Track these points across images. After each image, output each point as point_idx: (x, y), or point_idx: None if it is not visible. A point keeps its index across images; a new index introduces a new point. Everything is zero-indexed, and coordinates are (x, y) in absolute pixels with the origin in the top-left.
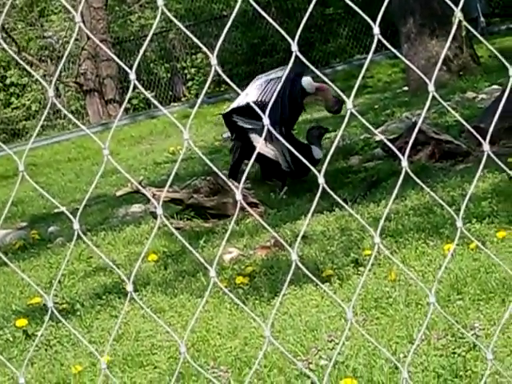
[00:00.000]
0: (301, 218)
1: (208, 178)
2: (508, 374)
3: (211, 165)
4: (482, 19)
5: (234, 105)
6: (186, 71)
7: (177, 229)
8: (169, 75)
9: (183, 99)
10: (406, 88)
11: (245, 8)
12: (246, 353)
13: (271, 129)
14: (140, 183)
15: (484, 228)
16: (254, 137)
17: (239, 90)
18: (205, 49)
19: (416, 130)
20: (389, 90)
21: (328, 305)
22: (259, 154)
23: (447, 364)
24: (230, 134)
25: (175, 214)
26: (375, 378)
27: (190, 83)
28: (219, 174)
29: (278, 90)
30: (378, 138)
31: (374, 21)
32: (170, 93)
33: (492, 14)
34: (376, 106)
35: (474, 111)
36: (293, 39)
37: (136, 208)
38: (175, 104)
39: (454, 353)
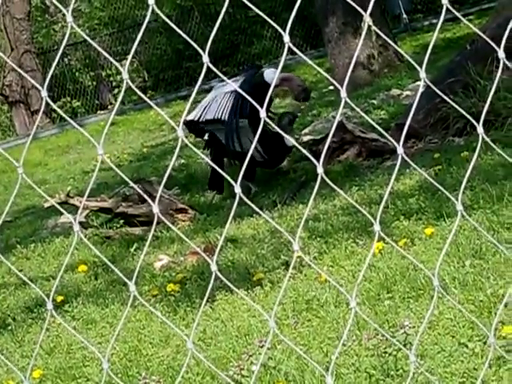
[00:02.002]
0: (231, 222)
1: (137, 185)
2: (439, 371)
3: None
4: (404, 16)
5: (192, 116)
6: (111, 79)
7: (107, 238)
8: (94, 83)
9: (110, 107)
10: (331, 88)
11: (169, 13)
12: (178, 361)
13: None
14: (68, 193)
15: (412, 225)
16: (219, 134)
17: (228, 80)
18: (116, 63)
19: (332, 130)
20: (315, 89)
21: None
22: (230, 150)
23: (378, 364)
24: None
25: (104, 223)
26: (307, 382)
27: (116, 91)
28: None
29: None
30: (306, 139)
31: (300, 20)
32: (97, 101)
33: (414, 10)
34: (302, 107)
35: (399, 108)
36: (218, 42)
37: (65, 219)
38: (102, 112)
39: (385, 352)
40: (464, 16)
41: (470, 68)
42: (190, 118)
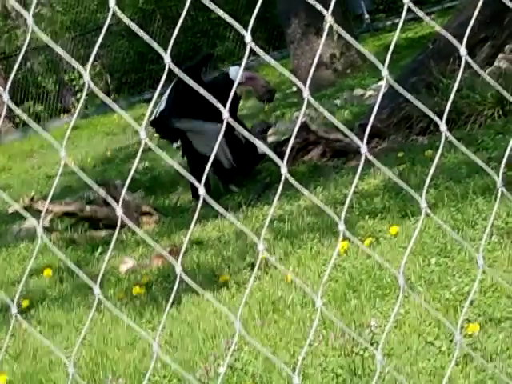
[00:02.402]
0: (196, 224)
1: (101, 188)
2: (406, 369)
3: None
4: (366, 16)
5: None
6: (74, 83)
7: (71, 242)
8: (57, 87)
9: (73, 111)
10: (294, 89)
11: (131, 16)
12: (144, 364)
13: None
14: (32, 198)
15: (377, 224)
16: (192, 137)
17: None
18: (77, 65)
19: (295, 131)
20: (278, 91)
21: (226, 310)
22: (200, 154)
23: (345, 363)
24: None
25: (69, 227)
26: (274, 383)
27: (78, 95)
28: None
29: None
30: (270, 140)
31: (262, 22)
32: (60, 105)
33: (376, 10)
34: (266, 108)
35: (362, 108)
36: (180, 44)
37: (29, 223)
38: (65, 116)
39: (352, 352)
40: (426, 15)
41: (433, 67)
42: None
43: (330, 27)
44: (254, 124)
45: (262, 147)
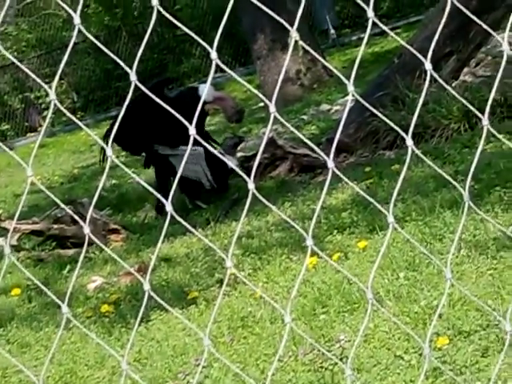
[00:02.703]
0: (163, 241)
1: (68, 206)
2: None
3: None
4: (332, 31)
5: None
6: (40, 101)
7: (39, 260)
8: (23, 106)
9: (39, 129)
10: (261, 104)
11: (96, 33)
12: (114, 382)
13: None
14: None
15: (345, 239)
16: (174, 161)
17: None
18: (43, 84)
19: (262, 146)
20: (245, 106)
21: (195, 327)
22: (181, 177)
23: (315, 379)
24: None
25: (36, 245)
26: None
27: (45, 113)
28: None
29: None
30: (237, 155)
31: (228, 38)
32: (26, 123)
33: (342, 25)
34: (233, 124)
35: (329, 123)
36: (146, 61)
37: None
38: (31, 134)
39: (322, 367)
40: (391, 30)
41: (399, 81)
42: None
43: (296, 42)
44: (225, 138)
45: (229, 164)
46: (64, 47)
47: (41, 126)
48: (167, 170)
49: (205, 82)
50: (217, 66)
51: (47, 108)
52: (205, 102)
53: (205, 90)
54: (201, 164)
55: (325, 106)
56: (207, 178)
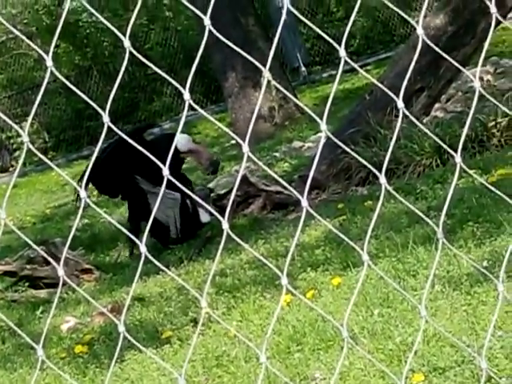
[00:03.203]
0: (137, 281)
1: (41, 247)
2: None
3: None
4: (303, 68)
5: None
6: (12, 141)
7: (12, 301)
8: None
9: (11, 169)
10: (233, 142)
11: (67, 73)
12: None
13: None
14: None
15: (319, 276)
16: (151, 199)
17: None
18: (15, 126)
19: (236, 184)
20: (217, 144)
21: (169, 367)
22: (154, 218)
23: None
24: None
25: (9, 286)
26: None
27: (16, 153)
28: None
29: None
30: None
31: (199, 76)
32: None
33: (312, 62)
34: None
35: (301, 160)
36: (118, 100)
37: None
38: (3, 175)
39: None
40: (362, 66)
41: (370, 118)
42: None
43: (268, 81)
44: (195, 191)
45: (207, 208)
46: (35, 87)
47: (12, 166)
48: (142, 207)
49: (178, 120)
50: (189, 104)
51: (18, 148)
52: (180, 152)
53: (185, 141)
54: (174, 210)
55: (297, 143)
56: (175, 226)
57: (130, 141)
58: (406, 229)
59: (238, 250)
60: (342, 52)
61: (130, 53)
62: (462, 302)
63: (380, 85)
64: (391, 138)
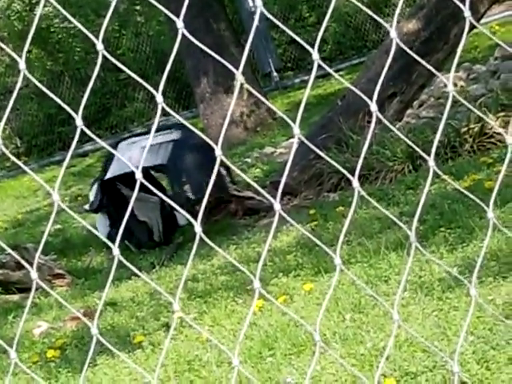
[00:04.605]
0: (110, 286)
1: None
2: None
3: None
4: (275, 74)
5: (117, 171)
6: None
7: None
8: None
9: None
10: None
11: (39, 78)
12: None
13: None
14: None
15: (291, 281)
16: (135, 205)
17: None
18: None
19: (209, 189)
20: None
21: (141, 371)
22: (138, 220)
23: None
24: (89, 206)
25: None
26: None
27: None
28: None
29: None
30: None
31: (171, 81)
32: None
33: (284, 67)
34: None
35: (273, 166)
36: (90, 106)
37: None
38: None
39: None
40: (335, 72)
41: (342, 123)
42: (108, 175)
43: (241, 85)
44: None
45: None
46: (7, 93)
47: None
48: (124, 213)
49: (150, 126)
50: (162, 109)
51: None
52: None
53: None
54: (155, 213)
55: (268, 149)
56: (158, 229)
57: (108, 147)
58: (377, 234)
59: (209, 256)
60: (315, 55)
61: (103, 57)
62: (433, 308)
63: (354, 88)
64: (363, 144)
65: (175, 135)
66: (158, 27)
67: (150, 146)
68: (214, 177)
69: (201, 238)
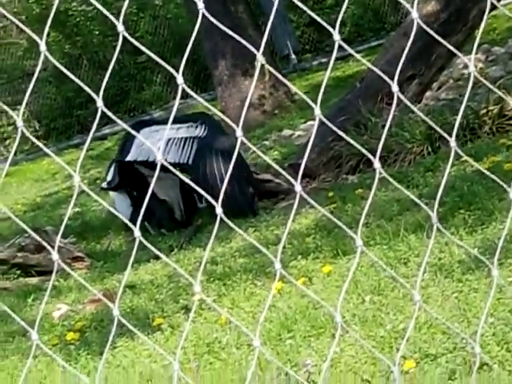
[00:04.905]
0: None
1: (32, 235)
2: None
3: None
4: (293, 56)
5: (138, 156)
6: (2, 130)
7: (3, 289)
8: None
9: (1, 158)
10: None
11: (58, 62)
12: None
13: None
14: None
15: (310, 264)
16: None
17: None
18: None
19: (229, 172)
20: None
21: (161, 353)
22: (158, 199)
23: None
24: (106, 184)
25: (1, 274)
26: None
27: (7, 141)
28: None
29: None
30: None
31: (189, 64)
32: None
33: (303, 50)
34: None
35: (291, 148)
36: (108, 89)
37: None
38: None
39: None
40: (352, 54)
41: (361, 106)
42: (128, 158)
43: (262, 66)
44: None
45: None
46: (25, 76)
47: (3, 154)
48: (144, 192)
49: (168, 109)
50: (181, 92)
51: (9, 137)
52: None
53: None
54: (175, 191)
55: (287, 132)
56: (179, 208)
57: (131, 130)
58: (396, 217)
59: (228, 239)
60: (336, 36)
61: (122, 40)
62: (453, 290)
63: (375, 69)
64: (382, 126)
65: (199, 131)
66: (176, 10)
67: (174, 139)
68: (233, 160)
69: (220, 220)
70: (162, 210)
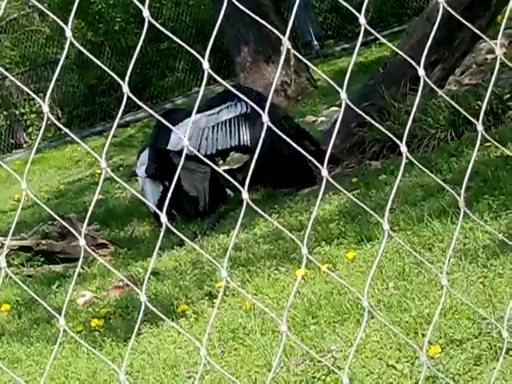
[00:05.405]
0: (151, 255)
1: (55, 222)
2: None
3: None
4: (315, 42)
5: (173, 145)
6: (25, 117)
7: (28, 276)
8: (8, 123)
9: (25, 146)
10: None
11: (79, 49)
12: None
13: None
14: None
15: (334, 250)
16: (182, 174)
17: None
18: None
19: (255, 157)
20: None
21: (185, 340)
22: (185, 193)
23: None
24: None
25: (25, 261)
26: None
27: (30, 129)
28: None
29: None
30: (223, 168)
31: (212, 51)
32: (12, 140)
33: (325, 36)
34: None
35: (314, 134)
36: (131, 76)
37: None
38: (17, 151)
39: (314, 377)
40: (375, 40)
41: (384, 91)
42: (169, 147)
43: (288, 51)
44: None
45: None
46: (48, 64)
47: (26, 142)
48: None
49: (191, 96)
50: (201, 80)
51: (32, 125)
52: None
53: None
54: (203, 184)
55: (310, 118)
56: (204, 200)
57: (159, 117)
58: (420, 202)
59: (251, 225)
60: (362, 19)
61: (146, 26)
62: (478, 275)
63: (401, 52)
64: (405, 112)
65: (240, 108)
66: None
67: (218, 124)
68: (259, 146)
69: (247, 206)
70: (189, 203)
